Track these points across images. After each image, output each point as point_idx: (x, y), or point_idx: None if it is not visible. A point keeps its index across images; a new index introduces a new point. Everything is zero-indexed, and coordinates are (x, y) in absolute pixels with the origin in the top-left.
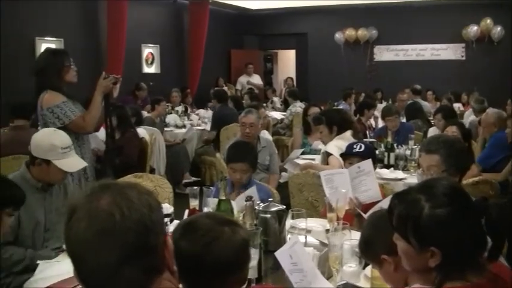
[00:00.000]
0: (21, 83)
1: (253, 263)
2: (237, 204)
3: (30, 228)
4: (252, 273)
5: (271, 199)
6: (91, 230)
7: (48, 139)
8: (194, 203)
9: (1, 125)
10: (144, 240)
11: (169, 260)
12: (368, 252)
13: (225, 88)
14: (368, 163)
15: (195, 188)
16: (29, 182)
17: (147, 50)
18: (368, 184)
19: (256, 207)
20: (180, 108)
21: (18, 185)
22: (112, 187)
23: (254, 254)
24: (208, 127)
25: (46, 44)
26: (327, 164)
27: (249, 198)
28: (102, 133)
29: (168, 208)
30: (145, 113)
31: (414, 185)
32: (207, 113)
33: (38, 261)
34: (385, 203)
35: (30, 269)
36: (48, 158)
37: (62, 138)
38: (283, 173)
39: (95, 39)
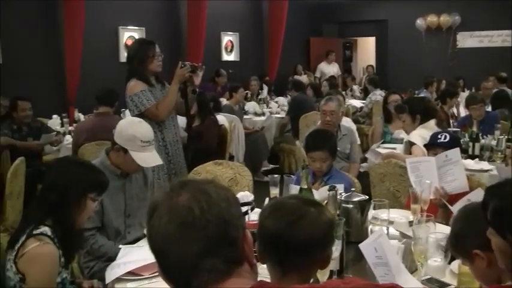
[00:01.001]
0: (105, 71)
1: (335, 254)
2: (319, 193)
3: (112, 215)
4: (334, 265)
5: (353, 189)
6: (172, 224)
7: (131, 129)
8: (274, 191)
9: (85, 112)
10: (224, 233)
11: (248, 253)
12: (459, 246)
13: (304, 76)
14: (456, 152)
15: (276, 176)
16: (108, 169)
17: (227, 38)
18: (455, 174)
19: (338, 197)
20: (259, 96)
21: (102, 171)
22: (190, 184)
23: (337, 245)
24: None
25: (128, 33)
26: (410, 153)
27: (332, 188)
28: (183, 120)
29: (248, 196)
30: (224, 101)
31: (511, 177)
32: (286, 101)
33: (120, 246)
34: (473, 196)
35: (113, 259)
36: (127, 147)
37: (145, 131)
38: (363, 163)
39: (175, 27)
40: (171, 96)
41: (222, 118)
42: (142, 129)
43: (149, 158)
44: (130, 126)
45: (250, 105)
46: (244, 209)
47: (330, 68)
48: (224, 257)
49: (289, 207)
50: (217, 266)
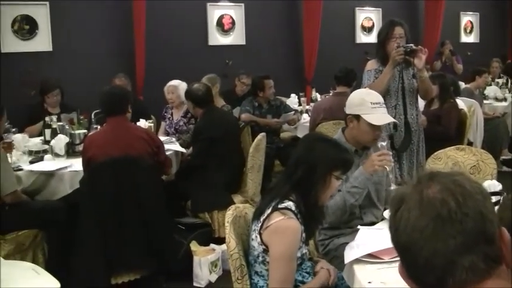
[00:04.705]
0: (341, 52)
1: None
2: None
3: None
4: None
5: None
6: (425, 218)
7: (360, 94)
8: None
9: (322, 91)
10: (481, 227)
11: (505, 252)
12: None
13: None
14: None
15: None
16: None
17: (466, 18)
18: None
19: None
20: (501, 80)
21: (347, 149)
22: (440, 175)
23: None
24: None
25: (365, 14)
26: None
27: None
28: (421, 103)
29: (496, 185)
30: (462, 84)
31: None
32: None
33: (359, 227)
34: None
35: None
36: (357, 113)
37: (373, 95)
38: None
39: (412, 8)
40: (381, 78)
41: (460, 102)
42: (372, 94)
43: (381, 117)
44: (359, 93)
45: (491, 90)
46: (493, 199)
47: None
48: (483, 254)
49: None
50: (476, 264)
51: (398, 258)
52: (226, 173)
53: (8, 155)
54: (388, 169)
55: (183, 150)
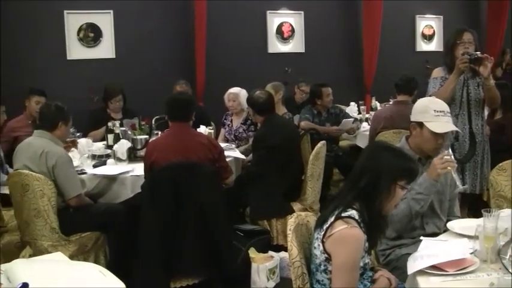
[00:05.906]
0: (401, 60)
1: None
2: None
3: None
4: None
5: None
6: None
7: (425, 102)
8: None
9: (381, 100)
10: None
11: None
12: None
13: None
14: None
15: None
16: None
17: None
18: None
19: None
20: None
21: (413, 159)
22: None
23: None
24: None
25: (425, 22)
26: None
27: None
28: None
29: None
30: None
31: None
32: None
33: (421, 238)
34: None
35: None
36: (420, 120)
37: (438, 103)
38: None
39: (474, 16)
40: (445, 86)
41: None
42: (436, 101)
43: (443, 126)
44: (424, 101)
45: None
46: None
47: None
48: None
49: None
50: None
51: (463, 271)
52: (285, 181)
53: (73, 150)
54: (452, 170)
55: (243, 157)
